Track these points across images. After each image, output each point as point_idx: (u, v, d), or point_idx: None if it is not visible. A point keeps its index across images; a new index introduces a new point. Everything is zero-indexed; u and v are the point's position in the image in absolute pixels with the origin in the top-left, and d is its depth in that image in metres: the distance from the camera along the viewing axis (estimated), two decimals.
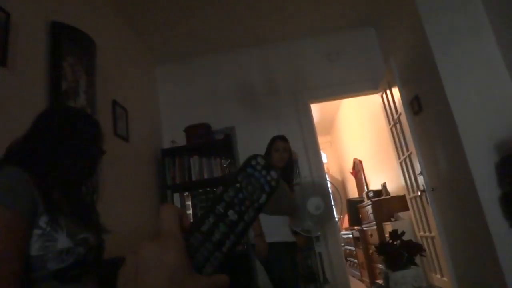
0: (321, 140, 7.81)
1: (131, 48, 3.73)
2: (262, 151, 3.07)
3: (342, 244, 6.47)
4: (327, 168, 8.61)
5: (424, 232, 3.49)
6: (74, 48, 2.42)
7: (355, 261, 5.81)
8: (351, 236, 6.00)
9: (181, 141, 3.90)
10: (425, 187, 3.22)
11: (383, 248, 2.05)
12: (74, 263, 1.03)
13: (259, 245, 2.54)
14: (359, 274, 5.54)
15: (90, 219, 1.22)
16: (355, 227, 5.60)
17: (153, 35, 3.92)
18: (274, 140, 2.96)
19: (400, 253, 1.96)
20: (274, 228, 2.65)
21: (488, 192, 2.66)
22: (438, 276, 3.31)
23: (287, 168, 2.94)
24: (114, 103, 2.99)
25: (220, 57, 4.43)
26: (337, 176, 8.71)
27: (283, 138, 2.95)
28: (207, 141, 3.83)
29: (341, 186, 8.49)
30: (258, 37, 4.27)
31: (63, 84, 2.23)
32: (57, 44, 2.27)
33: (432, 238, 3.32)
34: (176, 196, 3.69)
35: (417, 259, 2.18)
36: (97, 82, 2.65)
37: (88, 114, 1.52)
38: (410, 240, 2.04)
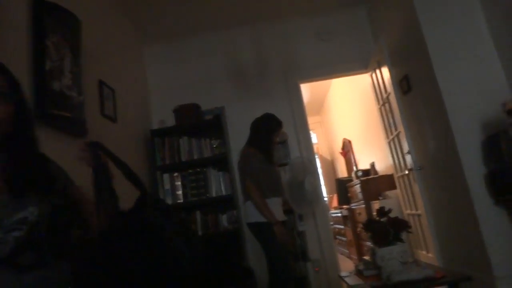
0: (311, 120, 7.81)
1: (118, 27, 3.65)
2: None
3: (331, 223, 6.57)
4: (317, 148, 8.65)
5: (411, 210, 3.55)
6: (58, 26, 2.35)
7: (344, 239, 5.93)
8: (340, 215, 6.10)
9: (171, 121, 3.88)
10: (412, 166, 3.27)
11: (370, 225, 2.09)
12: (18, 249, 0.95)
13: (280, 232, 2.57)
14: (348, 251, 5.66)
15: (40, 180, 1.09)
16: (344, 206, 5.69)
17: (141, 14, 3.83)
18: (281, 124, 2.93)
19: (386, 229, 2.00)
20: (273, 209, 2.69)
21: (474, 170, 2.71)
22: (424, 252, 3.40)
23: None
24: (101, 83, 2.94)
25: (210, 37, 4.36)
26: (327, 156, 8.77)
27: None
28: (196, 121, 3.81)
29: (330, 166, 8.56)
30: (247, 17, 4.20)
31: (47, 63, 2.18)
32: (40, 22, 2.21)
33: (419, 215, 3.39)
34: (166, 176, 3.69)
35: (404, 237, 2.22)
36: (83, 61, 2.60)
37: None
38: (397, 217, 2.08)
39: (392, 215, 2.16)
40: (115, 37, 3.54)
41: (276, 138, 2.91)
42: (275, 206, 2.72)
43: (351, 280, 2.17)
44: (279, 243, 2.55)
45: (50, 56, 2.23)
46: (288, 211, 3.66)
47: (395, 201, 3.99)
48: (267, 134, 2.84)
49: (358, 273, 2.28)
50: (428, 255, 3.28)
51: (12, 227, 0.95)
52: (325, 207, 4.40)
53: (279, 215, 2.73)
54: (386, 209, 2.17)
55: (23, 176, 1.04)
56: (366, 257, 2.32)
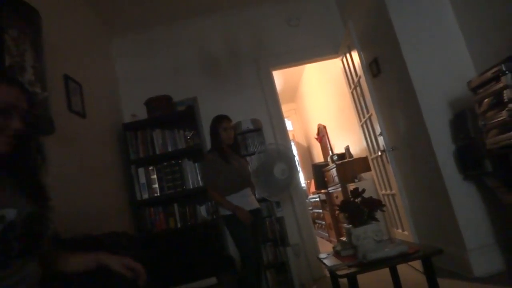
0: (286, 107, 7.81)
1: (82, 20, 3.53)
2: None
3: (310, 207, 6.66)
4: (293, 135, 8.71)
5: (386, 190, 3.63)
6: (16, 20, 2.25)
7: (323, 223, 6.02)
8: (318, 199, 6.18)
9: (142, 114, 3.80)
10: (385, 147, 3.33)
11: (345, 206, 2.12)
12: None
13: (241, 214, 2.73)
14: (327, 235, 5.76)
15: (29, 188, 1.09)
16: (322, 191, 5.76)
17: (106, 5, 3.70)
18: (221, 119, 2.99)
19: (361, 209, 2.04)
20: (235, 201, 2.81)
21: (443, 147, 2.80)
22: (400, 230, 3.49)
23: (235, 143, 3.07)
24: (66, 77, 2.85)
25: (178, 26, 4.28)
26: (303, 142, 8.84)
27: (228, 118, 3.01)
28: (169, 113, 3.76)
29: (307, 152, 8.64)
30: (216, 4, 4.14)
31: (7, 58, 2.09)
32: None
33: (393, 195, 3.47)
34: (141, 170, 3.63)
35: (380, 216, 2.27)
36: (46, 56, 2.50)
37: None
38: (370, 197, 2.12)
39: (367, 196, 2.20)
40: (80, 30, 3.42)
41: (223, 132, 2.95)
42: (241, 198, 2.85)
43: (329, 261, 2.21)
44: (243, 231, 2.73)
45: (10, 52, 2.14)
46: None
47: (370, 183, 4.07)
48: (214, 134, 2.97)
49: (336, 254, 2.32)
50: (404, 233, 3.37)
51: None
52: (302, 193, 4.44)
53: (248, 205, 2.86)
54: (360, 189, 2.21)
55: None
56: (343, 238, 2.36)
